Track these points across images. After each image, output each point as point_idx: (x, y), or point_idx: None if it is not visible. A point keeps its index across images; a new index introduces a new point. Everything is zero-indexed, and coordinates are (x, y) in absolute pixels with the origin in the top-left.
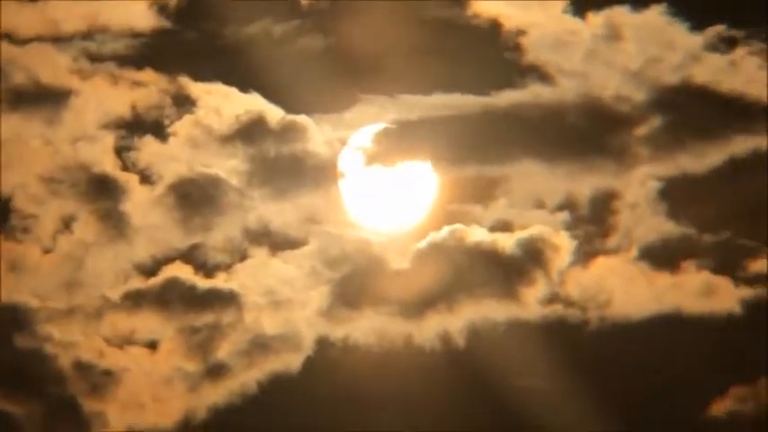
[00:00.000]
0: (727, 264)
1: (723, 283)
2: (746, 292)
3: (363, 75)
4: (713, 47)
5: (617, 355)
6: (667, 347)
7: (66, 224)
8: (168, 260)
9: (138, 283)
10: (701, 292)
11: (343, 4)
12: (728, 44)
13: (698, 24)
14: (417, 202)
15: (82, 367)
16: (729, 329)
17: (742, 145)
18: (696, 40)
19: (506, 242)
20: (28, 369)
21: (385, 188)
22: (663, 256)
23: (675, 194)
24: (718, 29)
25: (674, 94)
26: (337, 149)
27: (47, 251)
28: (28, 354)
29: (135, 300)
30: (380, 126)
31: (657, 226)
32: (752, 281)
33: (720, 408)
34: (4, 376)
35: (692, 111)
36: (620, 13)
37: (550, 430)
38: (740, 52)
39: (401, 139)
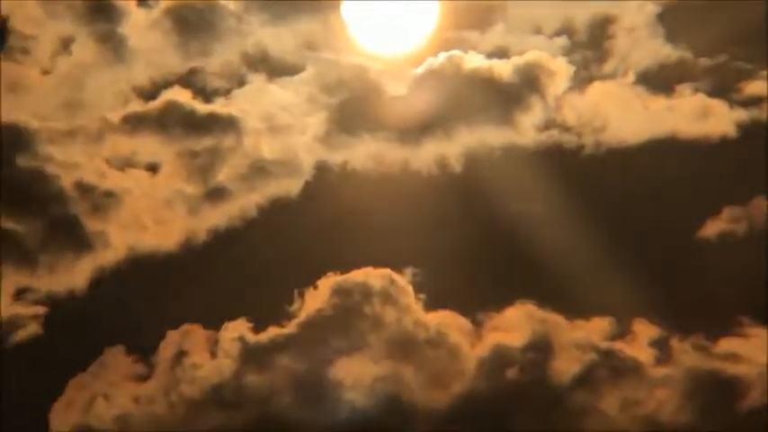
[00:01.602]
0: (722, 87)
1: (718, 105)
2: (741, 115)
3: None
4: None
5: (612, 180)
6: (662, 171)
7: (65, 45)
8: (167, 84)
9: (137, 106)
10: (696, 115)
11: None
12: None
13: None
14: (415, 29)
15: (83, 188)
16: (724, 152)
17: None
18: None
19: (503, 68)
20: (30, 188)
21: (383, 14)
22: (659, 81)
23: (673, 18)
24: None
25: None
26: None
27: (46, 72)
28: (30, 173)
29: (135, 123)
30: None
31: (654, 50)
32: (747, 103)
33: (714, 228)
34: (6, 195)
35: None
36: None
37: (545, 254)
38: None
39: None
